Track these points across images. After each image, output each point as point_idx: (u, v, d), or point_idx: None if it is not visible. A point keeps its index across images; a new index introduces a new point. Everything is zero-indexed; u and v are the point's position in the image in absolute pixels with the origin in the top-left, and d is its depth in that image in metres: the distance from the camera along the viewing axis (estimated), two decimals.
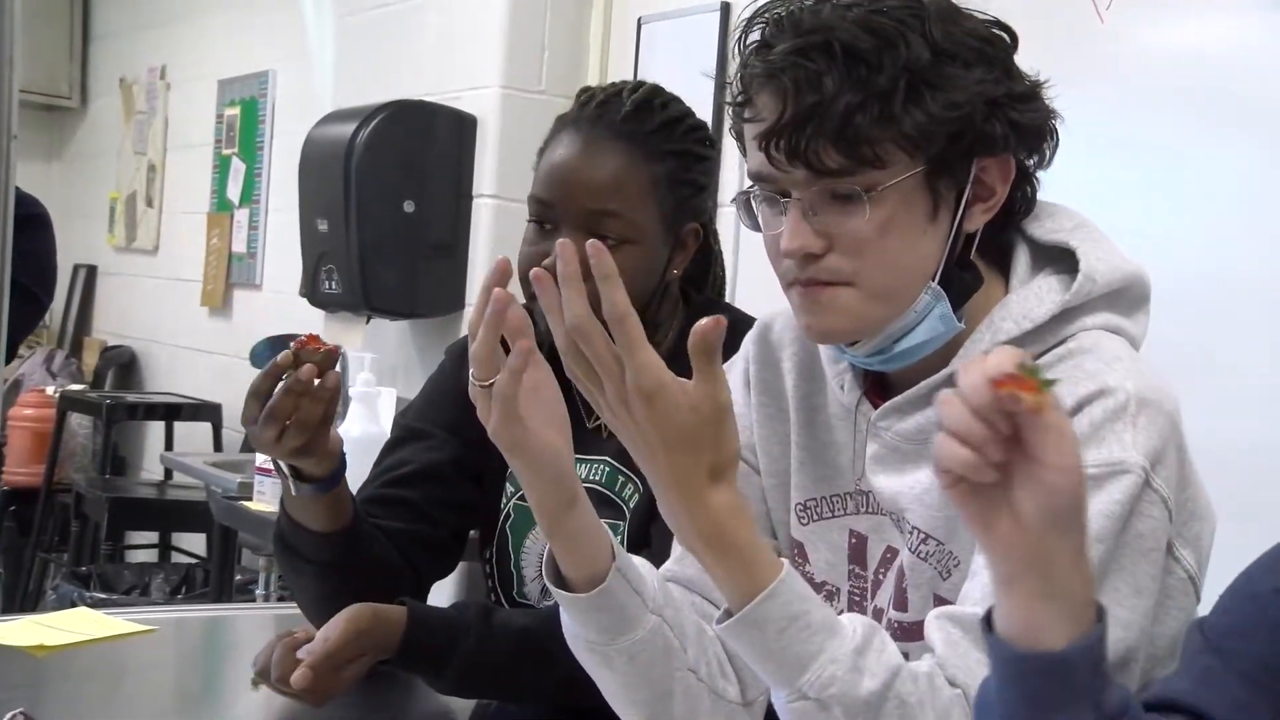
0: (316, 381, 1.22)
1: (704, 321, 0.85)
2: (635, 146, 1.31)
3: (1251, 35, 1.76)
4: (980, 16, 0.98)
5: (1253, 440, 1.64)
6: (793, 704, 0.87)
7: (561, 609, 0.99)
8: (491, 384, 0.90)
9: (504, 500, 1.43)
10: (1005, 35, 0.98)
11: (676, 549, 1.10)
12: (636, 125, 1.32)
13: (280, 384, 1.22)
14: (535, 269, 0.89)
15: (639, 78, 2.83)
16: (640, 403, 0.85)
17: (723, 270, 1.50)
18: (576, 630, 0.99)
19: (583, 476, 1.36)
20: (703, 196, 1.39)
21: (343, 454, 1.29)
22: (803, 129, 0.92)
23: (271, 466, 1.31)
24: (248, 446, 3.13)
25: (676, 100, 1.37)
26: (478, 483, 1.43)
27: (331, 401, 1.24)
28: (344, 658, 1.21)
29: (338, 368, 1.27)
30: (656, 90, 1.36)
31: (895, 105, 0.91)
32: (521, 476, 0.95)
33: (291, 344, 1.25)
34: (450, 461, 1.41)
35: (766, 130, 0.93)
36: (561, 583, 0.97)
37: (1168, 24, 1.85)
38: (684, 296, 1.43)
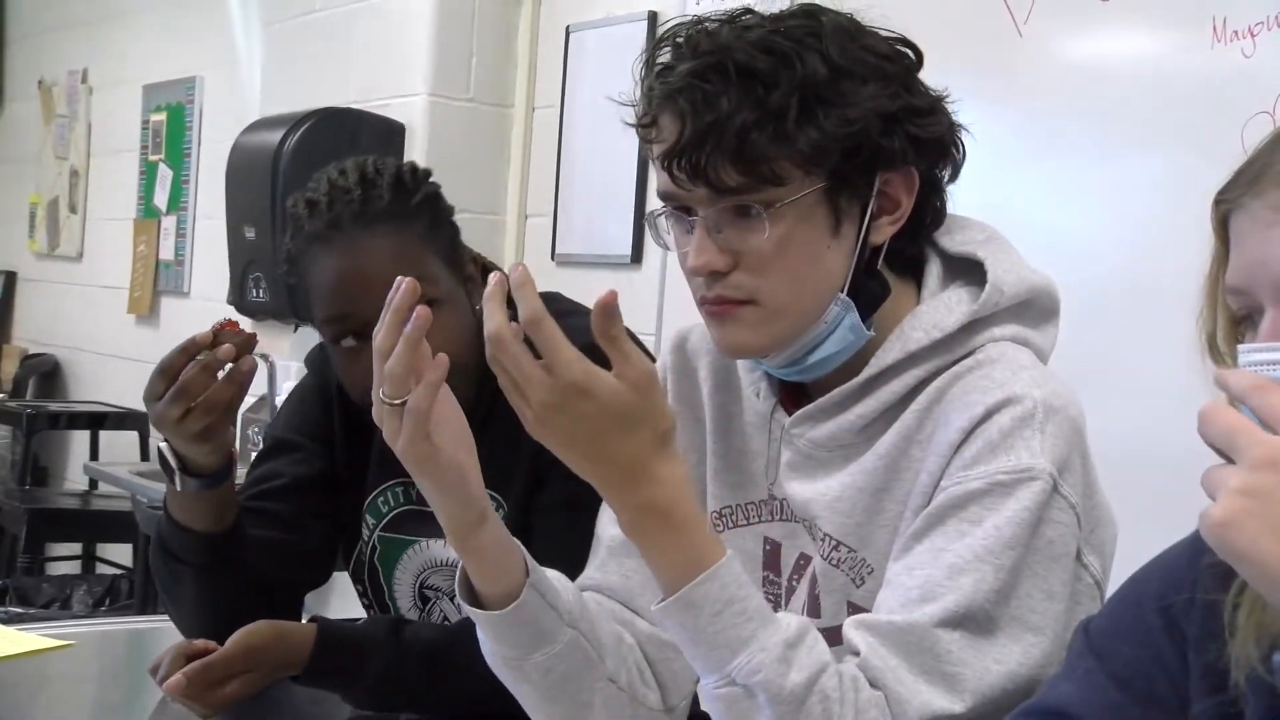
0: (230, 366, 1.21)
1: (601, 296, 0.85)
2: (386, 220, 1.28)
3: (1160, 48, 1.81)
4: (884, 34, 0.99)
5: (1163, 442, 1.68)
6: (719, 690, 0.88)
7: (479, 627, 0.99)
8: (402, 402, 0.90)
9: (366, 533, 1.42)
10: (909, 52, 1.00)
11: (596, 557, 1.10)
12: (374, 204, 1.28)
13: (196, 361, 1.20)
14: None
15: (567, 84, 2.85)
16: (575, 396, 0.85)
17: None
18: (492, 646, 0.99)
19: (415, 499, 1.37)
20: (456, 230, 1.36)
21: (232, 451, 1.28)
22: (701, 148, 0.93)
23: (159, 458, 1.29)
24: None
25: (387, 161, 1.35)
26: (339, 495, 1.43)
27: (243, 386, 1.23)
28: (225, 672, 1.21)
29: (261, 378, 1.26)
30: (365, 164, 1.32)
31: (789, 123, 0.92)
32: (429, 495, 0.95)
33: (214, 324, 1.23)
34: (318, 475, 1.41)
35: (668, 150, 0.95)
36: (474, 599, 0.98)
37: (1083, 37, 1.90)
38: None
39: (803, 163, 0.94)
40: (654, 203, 2.84)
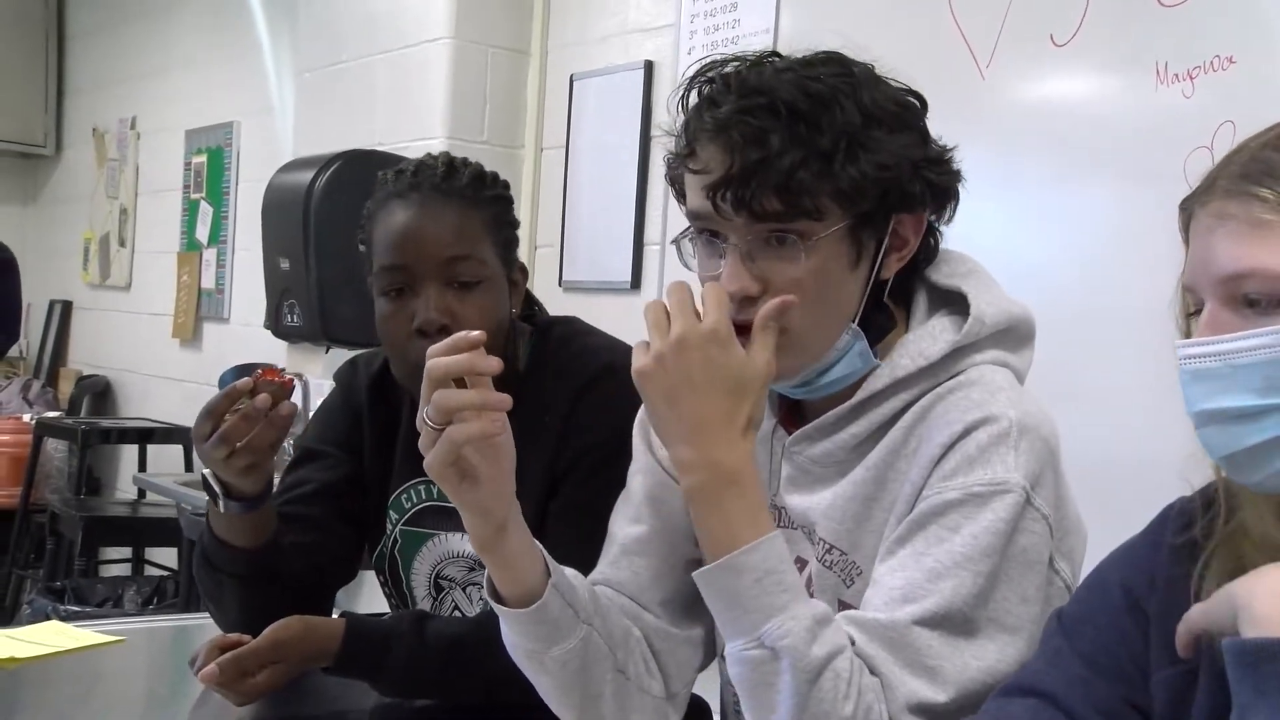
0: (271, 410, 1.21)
1: (785, 298, 0.92)
2: (463, 199, 1.30)
3: (1109, 89, 1.81)
4: (894, 84, 0.99)
5: (1116, 450, 1.68)
6: (748, 651, 0.88)
7: (502, 621, 0.99)
8: (441, 428, 0.89)
9: (389, 526, 1.42)
10: (916, 101, 1.00)
11: (608, 554, 1.10)
12: (454, 181, 1.31)
13: (236, 410, 1.20)
14: None
15: (572, 128, 2.86)
16: (713, 341, 0.88)
17: (542, 307, 1.49)
18: (514, 640, 0.99)
19: (436, 496, 1.36)
20: (518, 241, 1.39)
21: (272, 475, 1.28)
22: (749, 182, 0.92)
23: (203, 484, 1.28)
24: None
25: (475, 162, 1.37)
26: (366, 497, 1.43)
27: (283, 429, 1.23)
28: (255, 663, 1.20)
29: (296, 396, 1.26)
30: (454, 155, 1.36)
31: (835, 163, 0.92)
32: (454, 503, 0.95)
33: (255, 372, 1.23)
34: (345, 479, 1.41)
35: (715, 182, 0.93)
36: (498, 595, 0.97)
37: (1039, 79, 1.91)
38: (526, 320, 1.42)
39: (840, 200, 0.93)
40: (650, 235, 2.84)
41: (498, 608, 0.97)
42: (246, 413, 1.20)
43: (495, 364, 0.90)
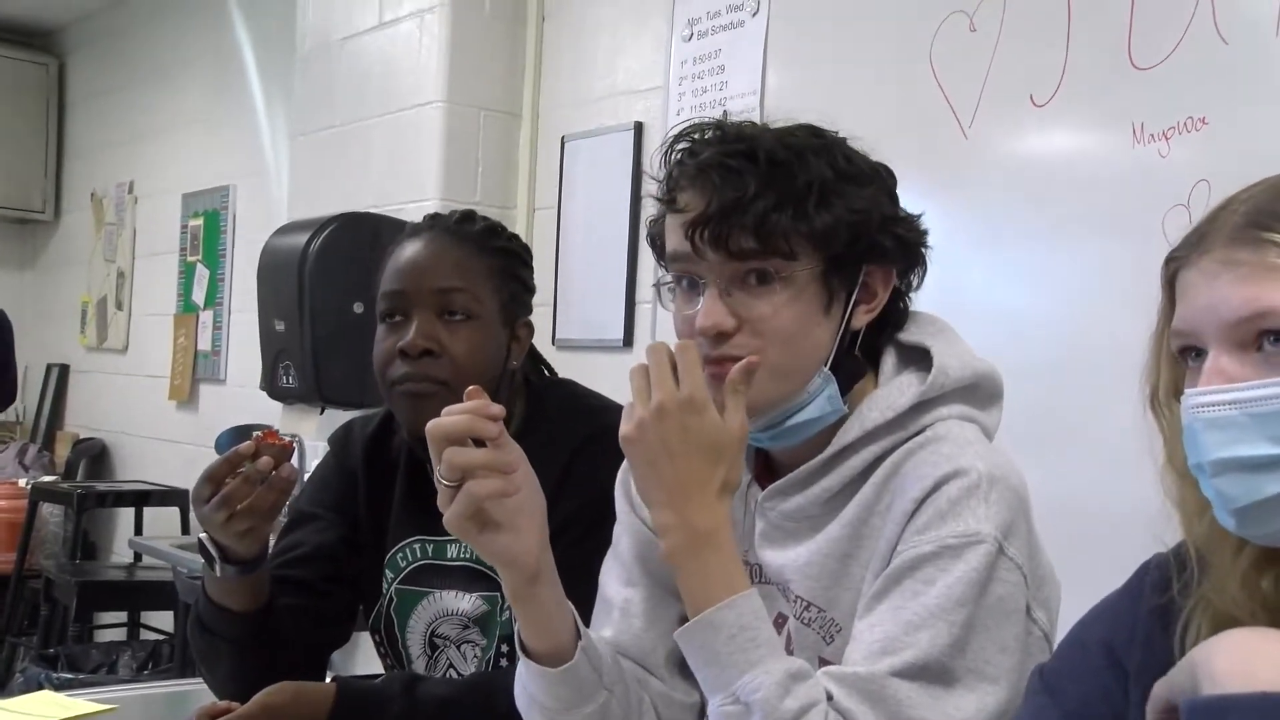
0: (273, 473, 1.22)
1: (749, 360, 0.94)
2: (469, 242, 1.36)
3: (1088, 148, 1.85)
4: (864, 153, 1.04)
5: (1100, 499, 1.69)
6: (724, 707, 0.90)
7: (525, 675, 0.99)
8: (456, 485, 0.92)
9: (385, 585, 1.42)
10: (883, 173, 1.04)
11: (609, 618, 1.10)
12: (467, 227, 1.37)
13: (238, 472, 1.21)
14: None
15: (563, 188, 2.89)
16: (690, 409, 0.91)
17: (552, 370, 1.53)
18: (535, 695, 0.99)
19: (452, 556, 1.37)
20: (528, 299, 1.42)
21: (268, 539, 1.29)
22: (726, 220, 0.96)
23: (199, 548, 1.29)
24: None
25: (496, 220, 1.43)
26: (360, 558, 1.43)
27: (284, 492, 1.24)
28: None
29: (294, 459, 1.27)
30: (473, 210, 1.41)
31: (809, 205, 0.96)
32: (482, 556, 0.97)
33: (255, 435, 1.24)
34: (339, 541, 1.42)
35: (694, 219, 0.97)
36: (526, 651, 0.98)
37: (1020, 138, 1.94)
38: (526, 382, 1.44)
39: (814, 241, 0.97)
40: (642, 294, 2.85)
41: (526, 662, 0.98)
42: (248, 475, 1.21)
43: (495, 429, 0.93)
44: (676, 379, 0.93)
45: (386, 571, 1.42)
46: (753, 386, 0.97)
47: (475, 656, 1.37)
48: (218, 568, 1.27)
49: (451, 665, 1.40)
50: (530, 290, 1.43)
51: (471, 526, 0.93)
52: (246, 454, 1.22)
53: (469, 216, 1.39)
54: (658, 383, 0.92)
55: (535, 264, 1.47)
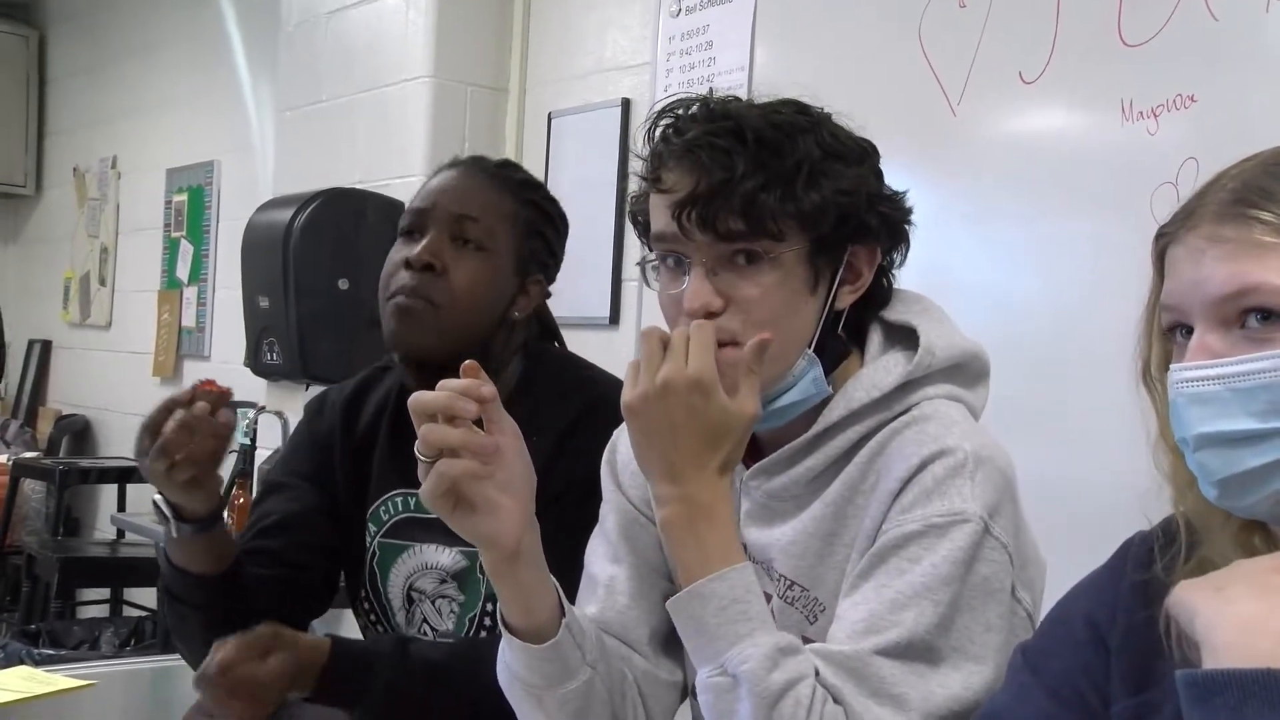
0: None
1: (763, 336, 0.93)
2: (501, 184, 1.37)
3: (1077, 126, 1.84)
4: (849, 130, 1.02)
5: (1090, 482, 1.69)
6: (712, 678, 0.89)
7: (507, 651, 0.99)
8: (432, 460, 0.90)
9: (368, 539, 1.41)
10: (867, 148, 1.03)
11: (594, 595, 1.09)
12: (505, 172, 1.39)
13: (174, 419, 1.20)
14: None
15: (550, 165, 2.88)
16: (696, 389, 0.90)
17: (563, 344, 1.51)
18: (517, 671, 0.99)
19: (414, 507, 1.36)
20: (550, 264, 1.41)
21: (221, 495, 1.28)
22: (713, 201, 0.94)
23: (154, 509, 1.28)
24: None
25: (539, 178, 1.44)
26: (339, 525, 1.42)
27: (223, 438, 1.23)
28: (258, 648, 1.18)
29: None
30: (520, 164, 1.45)
31: (797, 187, 0.95)
32: (458, 533, 0.95)
33: (192, 384, 1.24)
34: (311, 509, 1.40)
35: (681, 200, 0.95)
36: (508, 626, 0.98)
37: (1009, 116, 1.93)
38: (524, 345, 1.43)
39: (801, 222, 0.96)
40: (629, 271, 2.84)
41: (508, 638, 0.97)
42: (185, 421, 1.19)
43: (474, 409, 0.91)
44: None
45: (370, 525, 1.41)
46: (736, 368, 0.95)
47: (452, 613, 1.36)
48: (173, 527, 1.25)
49: (426, 620, 1.39)
50: (555, 257, 1.41)
51: (445, 504, 0.92)
52: (182, 401, 1.21)
53: (511, 164, 1.42)
54: (670, 356, 0.91)
55: None
